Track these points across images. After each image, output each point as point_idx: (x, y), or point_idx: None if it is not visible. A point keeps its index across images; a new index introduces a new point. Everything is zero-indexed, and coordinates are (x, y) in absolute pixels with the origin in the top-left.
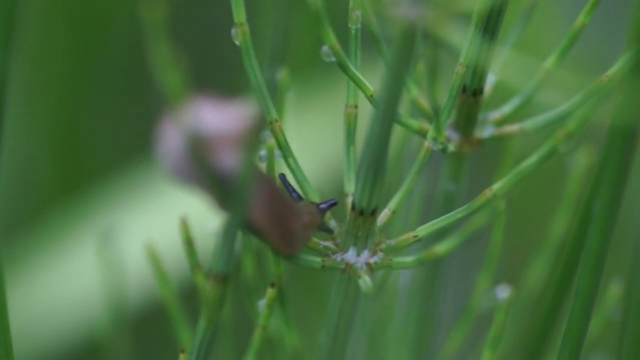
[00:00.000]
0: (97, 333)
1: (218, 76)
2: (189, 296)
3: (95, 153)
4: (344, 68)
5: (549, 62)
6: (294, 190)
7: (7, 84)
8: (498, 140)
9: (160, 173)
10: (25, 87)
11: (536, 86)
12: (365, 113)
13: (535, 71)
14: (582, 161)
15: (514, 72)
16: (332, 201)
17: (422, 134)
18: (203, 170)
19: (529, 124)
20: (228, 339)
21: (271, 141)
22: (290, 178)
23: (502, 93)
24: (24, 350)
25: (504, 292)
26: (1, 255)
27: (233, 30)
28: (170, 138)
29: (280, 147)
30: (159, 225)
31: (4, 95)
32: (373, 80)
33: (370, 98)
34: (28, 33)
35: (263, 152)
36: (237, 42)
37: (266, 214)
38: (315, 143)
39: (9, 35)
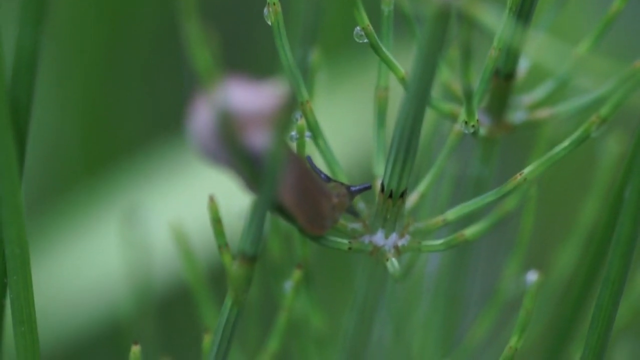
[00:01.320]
0: (122, 312)
1: (249, 55)
2: (216, 276)
3: (124, 130)
4: (376, 49)
5: (583, 47)
6: (322, 172)
7: (37, 62)
8: (530, 125)
9: (189, 151)
10: (54, 65)
11: (569, 71)
12: (397, 95)
13: (569, 56)
14: (613, 147)
15: (548, 56)
16: (366, 185)
17: (454, 118)
18: (233, 149)
19: (562, 109)
20: (253, 319)
21: (302, 122)
22: (320, 159)
23: (535, 78)
24: (49, 328)
25: (532, 278)
26: (26, 232)
27: (265, 10)
28: (201, 117)
29: (310, 128)
30: (187, 204)
31: (34, 73)
32: (405, 63)
33: (402, 80)
34: (58, 10)
35: (293, 133)
36: (269, 22)
37: (295, 195)
38: (345, 124)
39: (40, 13)
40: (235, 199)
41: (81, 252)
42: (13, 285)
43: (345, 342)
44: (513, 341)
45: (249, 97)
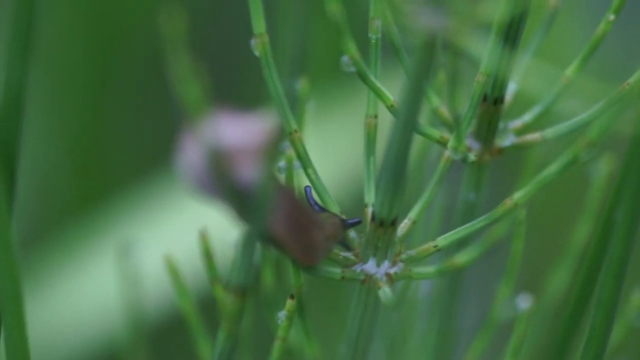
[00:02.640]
0: (116, 345)
1: (237, 87)
2: (208, 308)
3: (114, 164)
4: (364, 78)
5: (570, 70)
6: (317, 203)
7: (25, 95)
8: (519, 149)
9: (179, 185)
10: (45, 99)
11: (557, 94)
12: (386, 123)
13: (557, 79)
14: (603, 170)
15: (535, 80)
16: (357, 220)
17: (443, 144)
18: (223, 183)
19: (550, 132)
20: (248, 350)
21: (290, 152)
22: (310, 189)
23: (523, 102)
24: (43, 356)
25: (525, 302)
26: (20, 266)
27: (252, 41)
28: (190, 151)
29: (299, 157)
30: (178, 238)
31: (22, 106)
32: (393, 90)
33: (391, 108)
34: (47, 44)
35: (282, 163)
36: (256, 53)
37: (286, 226)
38: (335, 153)
39: (26, 46)
40: (227, 231)
41: (74, 285)
42: (6, 324)
43: None
44: None
45: (237, 131)
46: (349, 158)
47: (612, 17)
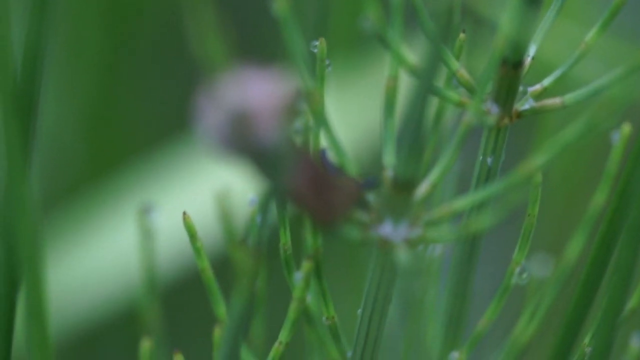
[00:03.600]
0: (133, 306)
1: (256, 47)
2: (224, 272)
3: (132, 128)
4: (384, 40)
5: (590, 34)
6: (333, 165)
7: (43, 59)
8: (538, 114)
9: (197, 149)
10: (60, 66)
11: (577, 59)
12: (406, 86)
13: (577, 43)
14: (622, 136)
15: (556, 44)
16: (374, 179)
17: (462, 107)
18: (241, 141)
19: (570, 97)
20: (264, 311)
21: (309, 113)
22: (329, 149)
23: (543, 66)
24: (61, 323)
25: (543, 266)
26: (41, 228)
27: (272, 1)
28: (209, 110)
29: (317, 118)
30: (195, 202)
31: (41, 71)
32: (414, 53)
33: (410, 70)
34: (62, 11)
35: (302, 124)
36: (276, 13)
37: (305, 186)
38: (355, 115)
39: (45, 11)
40: (243, 194)
41: (92, 250)
42: (26, 284)
43: (358, 332)
44: (521, 329)
45: (256, 90)
46: (368, 121)
47: None
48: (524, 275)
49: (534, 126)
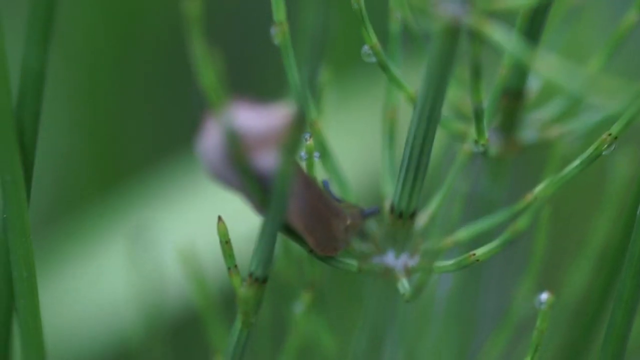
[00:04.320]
0: (132, 333)
1: (257, 76)
2: (228, 298)
3: (133, 148)
4: (384, 68)
5: (594, 64)
6: (335, 195)
7: (44, 79)
8: (541, 144)
9: (199, 170)
10: (64, 84)
11: (580, 89)
12: (407, 114)
13: (580, 74)
14: (624, 165)
15: (558, 74)
16: (375, 208)
17: (464, 137)
18: (242, 171)
19: (572, 127)
20: (264, 341)
21: (310, 142)
22: (329, 179)
23: (546, 96)
24: (57, 350)
25: (545, 298)
26: (35, 253)
27: (272, 30)
28: (210, 139)
29: (319, 147)
30: (198, 222)
31: (41, 91)
32: (414, 81)
33: (411, 99)
34: (68, 28)
35: (302, 153)
36: (276, 42)
37: (305, 216)
38: (355, 144)
39: (46, 32)
40: (245, 218)
41: (91, 271)
42: (21, 309)
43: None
44: None
45: (257, 118)
46: (370, 147)
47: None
48: (529, 308)
49: (543, 154)
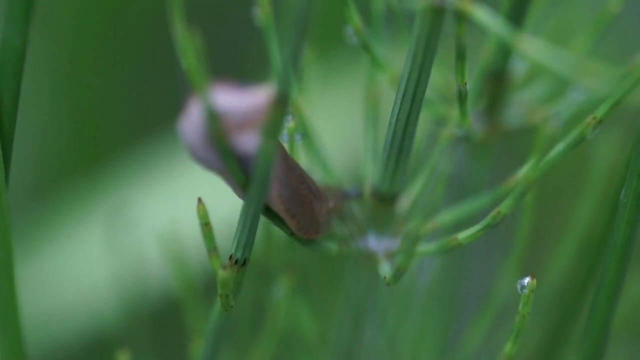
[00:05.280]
0: (110, 316)
1: (239, 57)
2: (210, 279)
3: (115, 127)
4: (366, 50)
5: (579, 47)
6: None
7: (23, 57)
8: (525, 127)
9: (182, 151)
10: (45, 63)
11: (565, 71)
12: (390, 96)
13: (565, 56)
14: (606, 149)
15: (543, 56)
16: (356, 189)
17: (447, 120)
18: (223, 152)
19: (557, 110)
20: (244, 325)
21: (292, 123)
22: (310, 160)
23: (530, 79)
24: (36, 333)
25: (526, 283)
26: (16, 232)
27: (255, 10)
28: (191, 120)
29: (301, 129)
30: (179, 202)
31: (21, 68)
32: (398, 62)
33: (394, 80)
34: (51, 5)
35: (285, 135)
36: (259, 23)
37: (287, 198)
38: (338, 125)
39: (27, 9)
40: (227, 200)
41: (70, 251)
42: None
43: (337, 347)
44: (508, 347)
45: (238, 99)
46: (352, 130)
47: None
48: (511, 293)
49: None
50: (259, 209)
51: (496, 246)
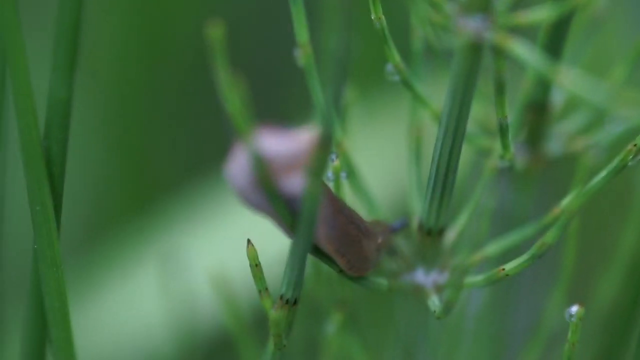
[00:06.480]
0: (165, 357)
1: (283, 97)
2: (259, 318)
3: (163, 172)
4: (407, 86)
5: (616, 75)
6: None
7: (71, 106)
8: (567, 157)
9: (228, 193)
10: (95, 107)
11: (603, 101)
12: (433, 130)
13: (602, 86)
14: None
15: (582, 87)
16: (403, 221)
17: (490, 152)
18: (270, 195)
19: (598, 139)
20: None
21: (337, 162)
22: (357, 199)
23: (571, 109)
24: None
25: (575, 311)
26: (69, 277)
27: (296, 51)
28: (238, 165)
29: (346, 167)
30: (229, 245)
31: (68, 117)
32: (439, 98)
33: (435, 116)
34: (96, 52)
35: (330, 174)
36: (300, 63)
37: (335, 238)
38: (382, 162)
39: (72, 59)
40: (275, 240)
41: (124, 296)
42: (54, 339)
43: None
44: None
45: (283, 142)
46: (396, 167)
47: None
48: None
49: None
50: (307, 249)
51: (544, 275)
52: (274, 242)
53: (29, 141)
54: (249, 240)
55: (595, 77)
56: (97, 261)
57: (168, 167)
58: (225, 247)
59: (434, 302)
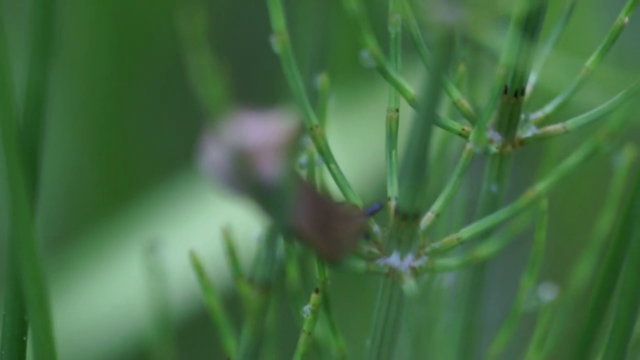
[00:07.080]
0: (143, 343)
1: (258, 85)
2: (234, 305)
3: (139, 164)
4: (384, 73)
5: (590, 60)
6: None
7: (47, 98)
8: (540, 140)
9: (203, 183)
10: (69, 100)
11: (578, 85)
12: (407, 117)
13: (577, 70)
14: (626, 159)
15: (555, 71)
16: (377, 205)
17: (464, 136)
18: (245, 180)
19: (571, 123)
20: (274, 346)
21: (312, 148)
22: (332, 183)
23: (544, 93)
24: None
25: (548, 292)
26: (45, 268)
27: (272, 39)
28: (212, 150)
29: (321, 153)
30: (203, 236)
31: (44, 110)
32: (414, 84)
33: (411, 101)
34: (70, 45)
35: (304, 159)
36: (276, 51)
37: (310, 221)
38: (357, 148)
39: (47, 48)
40: (249, 227)
41: (102, 284)
42: (33, 324)
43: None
44: (531, 357)
45: (258, 128)
46: (371, 152)
47: (626, 19)
48: (534, 302)
49: (539, 152)
50: (282, 233)
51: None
52: (248, 229)
53: (6, 132)
54: (224, 226)
55: (571, 60)
56: (75, 253)
57: (146, 159)
58: (203, 238)
59: (410, 286)
